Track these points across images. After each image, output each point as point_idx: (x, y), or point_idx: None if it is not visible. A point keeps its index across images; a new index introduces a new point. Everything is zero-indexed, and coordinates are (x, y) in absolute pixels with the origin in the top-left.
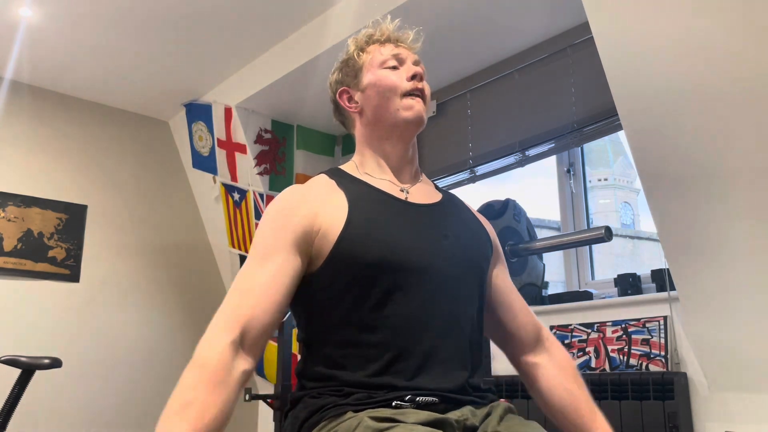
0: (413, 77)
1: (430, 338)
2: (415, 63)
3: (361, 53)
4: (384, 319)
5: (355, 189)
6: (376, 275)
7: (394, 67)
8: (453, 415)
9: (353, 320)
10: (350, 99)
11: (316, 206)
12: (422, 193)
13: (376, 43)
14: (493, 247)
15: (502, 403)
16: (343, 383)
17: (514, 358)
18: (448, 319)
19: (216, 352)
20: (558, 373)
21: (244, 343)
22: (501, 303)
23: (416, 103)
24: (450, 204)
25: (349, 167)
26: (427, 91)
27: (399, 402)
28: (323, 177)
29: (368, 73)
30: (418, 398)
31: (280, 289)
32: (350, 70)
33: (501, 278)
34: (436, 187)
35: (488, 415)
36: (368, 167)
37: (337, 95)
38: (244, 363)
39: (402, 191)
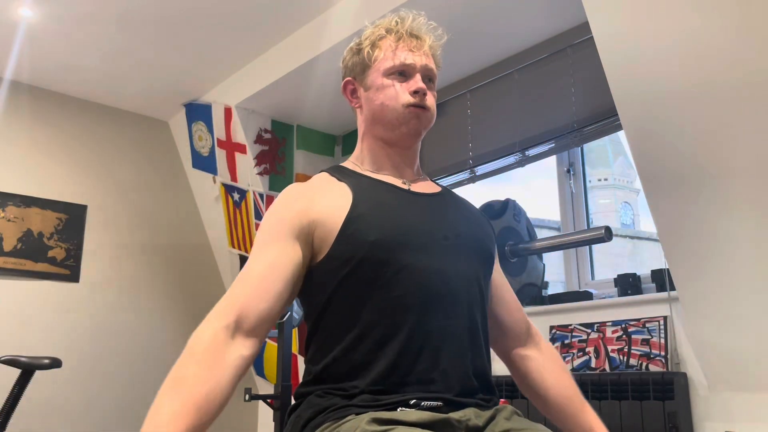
0: (416, 92)
1: (438, 321)
2: (425, 73)
3: (373, 48)
4: (391, 301)
5: (357, 181)
6: (383, 254)
7: (402, 74)
8: (455, 415)
9: (361, 305)
10: (354, 92)
11: (312, 200)
12: (423, 186)
13: (392, 35)
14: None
15: (508, 406)
16: (349, 384)
17: (507, 353)
18: (452, 311)
19: (208, 335)
20: (549, 365)
21: (240, 328)
22: (499, 298)
23: (414, 117)
24: (450, 196)
25: (350, 164)
26: (430, 102)
27: (404, 408)
28: (324, 174)
29: (374, 74)
30: (423, 402)
31: (278, 276)
32: (359, 62)
33: (498, 273)
34: (437, 185)
35: (492, 417)
36: (368, 164)
37: (342, 85)
38: (241, 348)
39: (404, 183)
